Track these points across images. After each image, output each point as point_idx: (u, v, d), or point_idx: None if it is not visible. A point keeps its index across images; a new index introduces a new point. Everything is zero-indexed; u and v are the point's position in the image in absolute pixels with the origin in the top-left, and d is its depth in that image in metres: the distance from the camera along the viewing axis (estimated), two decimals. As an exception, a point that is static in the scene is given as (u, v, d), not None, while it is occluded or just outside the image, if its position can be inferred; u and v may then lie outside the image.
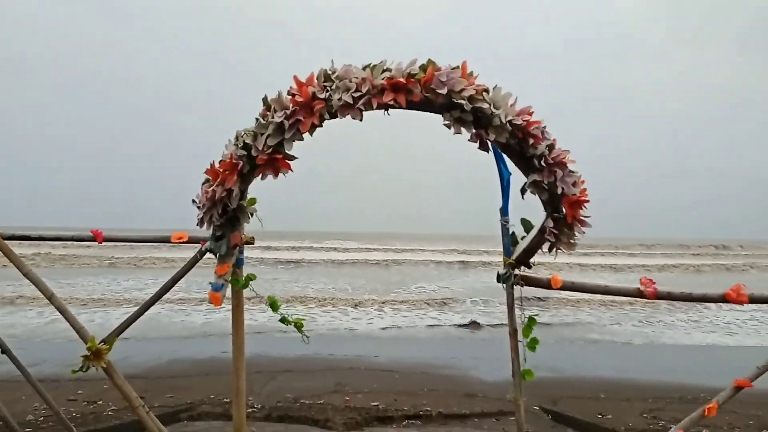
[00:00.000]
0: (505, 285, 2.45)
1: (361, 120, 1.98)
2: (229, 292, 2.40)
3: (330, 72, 1.98)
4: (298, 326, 2.60)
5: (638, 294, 2.27)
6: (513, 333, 2.44)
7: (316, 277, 19.47)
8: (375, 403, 5.37)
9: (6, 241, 2.63)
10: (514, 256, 2.41)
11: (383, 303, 12.96)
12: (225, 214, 2.20)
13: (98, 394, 5.45)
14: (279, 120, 1.96)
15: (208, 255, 2.44)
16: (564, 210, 2.12)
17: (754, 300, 2.25)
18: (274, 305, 2.55)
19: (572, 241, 2.19)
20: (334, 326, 10.18)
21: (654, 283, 2.26)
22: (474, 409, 5.23)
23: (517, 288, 2.48)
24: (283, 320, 2.61)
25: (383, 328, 10.09)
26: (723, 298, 2.23)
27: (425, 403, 5.43)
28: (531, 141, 2.04)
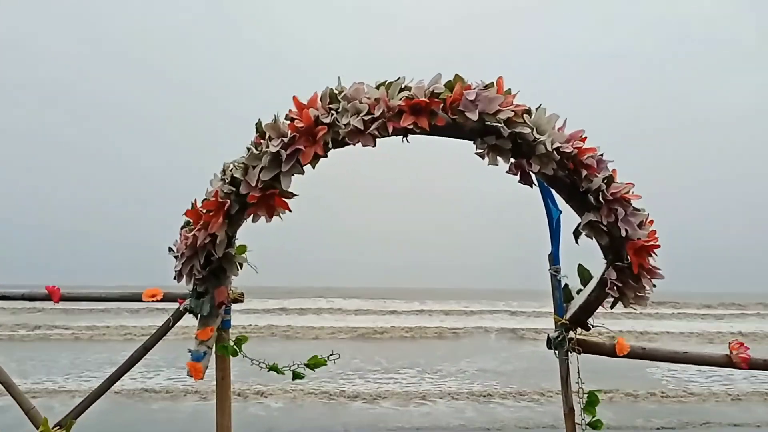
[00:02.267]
0: (557, 352, 2.43)
1: (374, 146, 2.03)
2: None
3: (336, 91, 2.05)
4: (319, 364, 2.59)
5: (727, 362, 2.24)
6: (569, 413, 2.41)
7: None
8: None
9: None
10: (567, 315, 2.40)
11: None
12: (208, 265, 2.24)
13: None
14: (275, 150, 2.01)
15: (188, 316, 2.47)
16: (629, 258, 2.12)
17: None
18: (277, 370, 2.58)
19: (641, 294, 2.18)
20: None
21: (747, 348, 2.23)
22: None
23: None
24: (296, 375, 2.62)
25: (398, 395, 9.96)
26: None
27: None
28: (584, 173, 2.07)
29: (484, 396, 11.16)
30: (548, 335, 2.47)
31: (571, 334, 2.42)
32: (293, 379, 2.65)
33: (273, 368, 2.65)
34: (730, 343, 2.26)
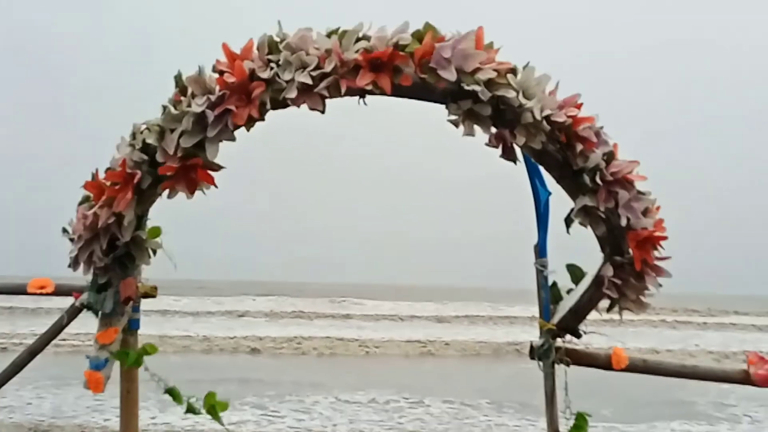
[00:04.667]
0: (541, 363, 2.52)
1: (323, 112, 2.06)
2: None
3: (278, 39, 2.07)
4: (215, 411, 2.65)
5: (745, 379, 2.36)
6: (553, 436, 2.51)
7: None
8: None
9: None
10: (555, 320, 2.49)
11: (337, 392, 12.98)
12: (113, 251, 2.27)
13: None
14: (199, 110, 2.04)
15: (85, 313, 2.49)
16: (630, 251, 2.21)
17: None
18: (175, 395, 2.62)
19: (642, 297, 2.27)
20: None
21: (767, 361, 2.35)
22: None
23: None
24: (190, 409, 2.67)
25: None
26: None
27: None
28: (579, 147, 2.14)
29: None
30: (531, 343, 2.56)
31: (559, 342, 2.51)
32: (186, 412, 2.71)
33: (170, 391, 2.67)
34: (747, 356, 2.37)
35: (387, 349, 20.57)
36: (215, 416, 2.68)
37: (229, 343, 20.12)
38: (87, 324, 2.62)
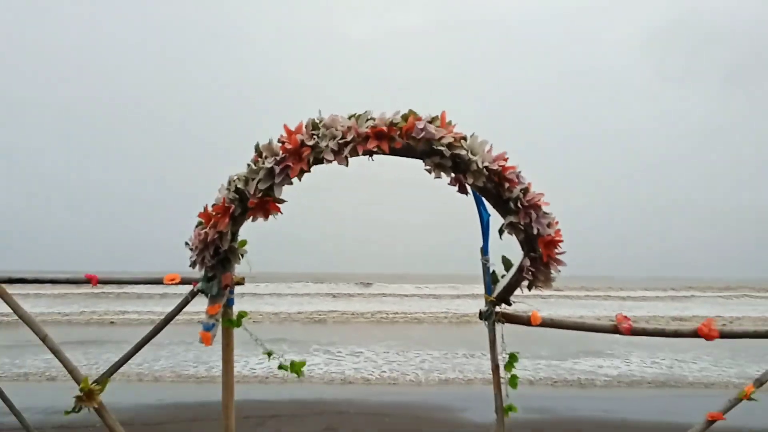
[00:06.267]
0: (486, 322, 2.53)
1: (347, 165, 2.10)
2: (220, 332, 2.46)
3: (317, 121, 2.12)
4: (298, 369, 2.62)
5: (614, 330, 2.36)
6: (495, 369, 2.51)
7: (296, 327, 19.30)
8: (365, 447, 5.32)
9: (2, 284, 2.69)
10: (494, 294, 2.50)
11: (373, 345, 12.87)
12: (216, 256, 2.29)
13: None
14: (270, 165, 2.08)
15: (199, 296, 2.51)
16: (540, 250, 2.23)
17: (724, 335, 2.34)
18: (269, 355, 2.61)
19: (549, 278, 2.29)
20: (324, 370, 10.07)
21: (629, 319, 2.35)
22: (465, 452, 5.21)
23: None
24: (281, 366, 2.65)
25: (373, 371, 10.01)
26: (695, 333, 2.33)
27: (416, 446, 5.39)
28: (507, 185, 2.17)
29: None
30: (480, 310, 2.57)
31: (497, 308, 2.52)
32: (279, 368, 2.68)
33: (268, 354, 2.67)
34: (616, 315, 2.38)
35: (397, 317, 20.40)
36: (299, 373, 2.64)
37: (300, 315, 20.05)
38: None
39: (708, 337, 2.30)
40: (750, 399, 2.37)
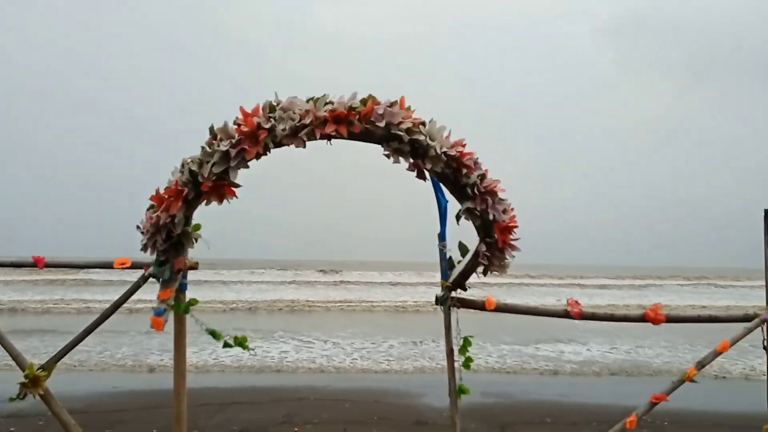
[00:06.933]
0: (442, 307, 2.58)
1: (304, 147, 2.10)
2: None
3: (275, 103, 2.11)
4: (243, 343, 2.62)
5: (565, 314, 2.44)
6: (449, 353, 2.57)
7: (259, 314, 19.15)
8: (324, 434, 5.37)
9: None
10: (450, 279, 2.55)
11: (338, 333, 12.92)
12: (169, 240, 2.26)
13: (34, 430, 5.23)
14: (225, 149, 2.06)
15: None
16: (495, 235, 2.29)
17: (670, 319, 2.46)
18: (215, 335, 2.59)
19: (504, 264, 2.35)
20: (288, 357, 10.06)
21: (580, 304, 2.44)
22: (423, 436, 5.32)
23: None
24: (226, 344, 2.64)
25: (336, 359, 10.06)
26: (642, 318, 2.43)
27: (375, 432, 5.47)
28: (464, 171, 2.21)
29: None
30: (436, 295, 2.62)
31: (453, 293, 2.57)
32: (223, 347, 2.67)
33: (211, 333, 2.64)
34: (568, 300, 2.46)
35: (363, 306, 20.45)
36: (244, 346, 2.65)
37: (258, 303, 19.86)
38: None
39: (655, 322, 2.41)
40: (692, 381, 2.51)
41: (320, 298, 22.53)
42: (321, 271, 38.95)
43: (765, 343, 2.67)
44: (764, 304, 2.81)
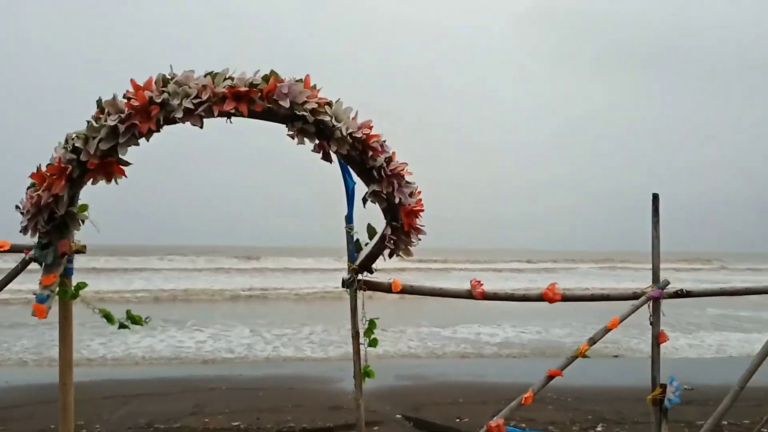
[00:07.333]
0: (348, 289, 2.58)
1: (201, 127, 2.01)
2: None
3: (169, 77, 1.99)
4: (137, 320, 2.50)
5: (468, 295, 2.52)
6: (355, 335, 2.58)
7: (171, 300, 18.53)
8: (236, 423, 5.28)
9: None
10: (357, 262, 2.55)
11: (249, 321, 12.72)
12: (52, 221, 2.10)
13: None
14: (113, 123, 1.92)
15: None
16: (401, 219, 2.30)
17: (566, 298, 2.60)
18: (109, 318, 2.46)
19: (409, 247, 2.37)
20: (197, 348, 9.77)
21: (482, 284, 2.52)
22: (338, 421, 5.35)
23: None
24: (122, 326, 2.52)
25: (249, 348, 9.89)
26: (540, 297, 2.55)
27: (289, 419, 5.45)
28: (371, 153, 2.19)
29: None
30: (342, 277, 2.62)
31: (360, 276, 2.58)
32: (119, 328, 2.58)
33: (105, 315, 2.53)
34: (471, 281, 2.54)
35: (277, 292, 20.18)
36: (140, 323, 2.53)
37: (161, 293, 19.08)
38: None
39: (551, 300, 2.54)
40: (584, 357, 2.67)
41: (237, 285, 22.06)
42: (236, 257, 38.07)
43: (651, 319, 2.89)
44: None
